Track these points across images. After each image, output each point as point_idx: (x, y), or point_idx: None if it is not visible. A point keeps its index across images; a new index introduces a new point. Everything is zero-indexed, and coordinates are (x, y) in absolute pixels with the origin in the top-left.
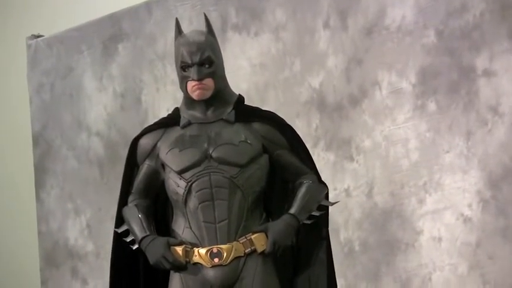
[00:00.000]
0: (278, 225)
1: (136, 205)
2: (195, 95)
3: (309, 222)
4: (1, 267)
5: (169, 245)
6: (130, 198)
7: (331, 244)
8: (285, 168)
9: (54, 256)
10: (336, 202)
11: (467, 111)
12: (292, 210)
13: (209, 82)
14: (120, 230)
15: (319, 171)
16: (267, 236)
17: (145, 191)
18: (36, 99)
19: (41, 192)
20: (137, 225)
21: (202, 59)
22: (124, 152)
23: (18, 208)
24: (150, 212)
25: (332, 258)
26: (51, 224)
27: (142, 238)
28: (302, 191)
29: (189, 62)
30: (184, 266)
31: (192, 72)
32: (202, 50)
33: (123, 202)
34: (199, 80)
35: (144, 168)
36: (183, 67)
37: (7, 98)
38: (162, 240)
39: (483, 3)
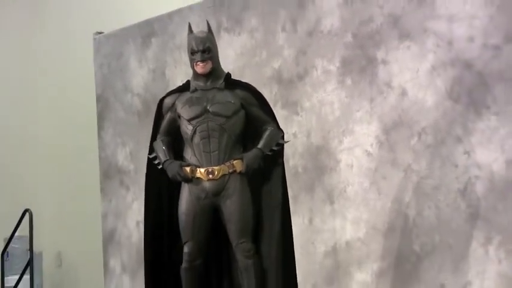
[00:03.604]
0: (250, 155)
1: (162, 140)
2: (198, 70)
3: (270, 153)
4: (77, 180)
5: (181, 166)
6: (158, 136)
7: (285, 168)
8: (255, 119)
9: (109, 172)
10: (288, 141)
11: (371, 85)
12: (259, 146)
13: (208, 63)
14: (151, 156)
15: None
16: (243, 161)
17: (167, 131)
18: (99, 73)
19: (101, 131)
20: (162, 153)
21: (204, 48)
22: (154, 107)
23: (87, 142)
24: (170, 145)
25: (285, 177)
26: (107, 152)
27: (165, 161)
28: (266, 133)
29: (196, 49)
30: (190, 179)
31: (198, 56)
32: (204, 42)
33: (153, 138)
34: (202, 61)
35: (167, 117)
36: (192, 53)
37: (82, 72)
38: (176, 162)
39: (382, 17)
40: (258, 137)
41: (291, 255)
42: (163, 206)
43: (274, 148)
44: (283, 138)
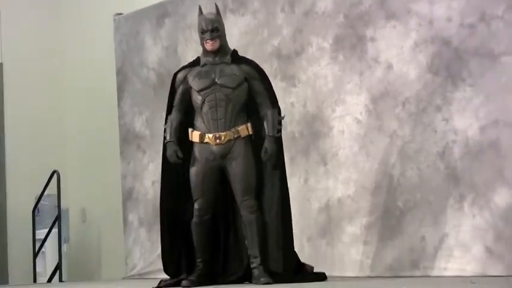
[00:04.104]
0: (270, 142)
1: (174, 118)
2: (208, 47)
3: (278, 135)
4: (98, 144)
5: (176, 152)
6: (174, 108)
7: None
8: (256, 92)
9: (128, 137)
10: (284, 115)
11: (360, 60)
12: (269, 133)
13: (216, 41)
14: (164, 127)
15: (277, 94)
16: (247, 128)
17: (181, 102)
18: (118, 49)
19: (121, 102)
20: (169, 132)
21: (213, 28)
22: (168, 80)
23: (108, 111)
24: (178, 126)
25: (282, 143)
26: (126, 120)
27: (168, 141)
28: (268, 118)
29: (205, 29)
30: (180, 161)
31: (207, 35)
32: (213, 22)
33: (169, 108)
34: (211, 39)
35: (180, 90)
36: (202, 32)
37: (103, 49)
38: (175, 147)
39: (370, 0)
40: (261, 119)
41: (288, 211)
42: (178, 168)
43: (279, 127)
44: (280, 113)
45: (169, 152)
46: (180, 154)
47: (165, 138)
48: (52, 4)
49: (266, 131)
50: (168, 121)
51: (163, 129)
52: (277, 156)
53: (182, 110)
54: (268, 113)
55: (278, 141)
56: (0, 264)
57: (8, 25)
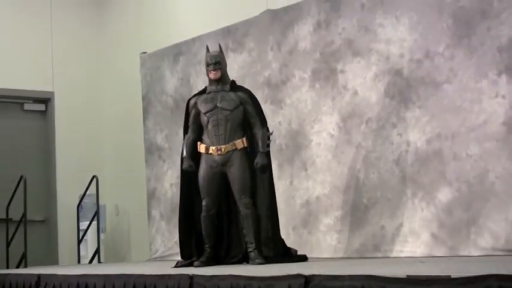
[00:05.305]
0: (260, 157)
1: (189, 138)
2: (211, 76)
3: (268, 149)
4: (128, 154)
5: (190, 165)
6: (189, 128)
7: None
8: (249, 114)
9: (151, 149)
10: (272, 131)
11: (332, 88)
12: (261, 149)
13: (218, 71)
14: (183, 153)
15: (267, 114)
16: (242, 142)
17: (194, 123)
18: (144, 80)
19: (146, 121)
20: (185, 149)
21: (215, 61)
22: (182, 105)
23: (136, 128)
24: (191, 145)
25: (270, 155)
26: (150, 135)
27: (184, 157)
28: (259, 136)
29: (210, 62)
30: (194, 173)
31: (211, 66)
32: (215, 57)
33: (185, 127)
34: (214, 70)
35: (192, 113)
36: (207, 64)
37: (132, 80)
38: (190, 161)
39: (340, 41)
40: (254, 138)
41: (275, 207)
42: (191, 176)
43: (268, 142)
44: (268, 130)
45: (184, 166)
46: (193, 166)
47: (182, 153)
48: (92, 45)
49: (257, 147)
50: (185, 139)
51: (179, 143)
52: (266, 166)
53: (195, 129)
54: (258, 132)
55: (267, 155)
56: (52, 249)
57: (59, 61)
